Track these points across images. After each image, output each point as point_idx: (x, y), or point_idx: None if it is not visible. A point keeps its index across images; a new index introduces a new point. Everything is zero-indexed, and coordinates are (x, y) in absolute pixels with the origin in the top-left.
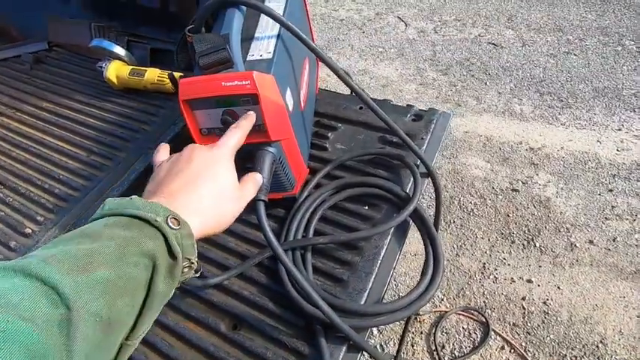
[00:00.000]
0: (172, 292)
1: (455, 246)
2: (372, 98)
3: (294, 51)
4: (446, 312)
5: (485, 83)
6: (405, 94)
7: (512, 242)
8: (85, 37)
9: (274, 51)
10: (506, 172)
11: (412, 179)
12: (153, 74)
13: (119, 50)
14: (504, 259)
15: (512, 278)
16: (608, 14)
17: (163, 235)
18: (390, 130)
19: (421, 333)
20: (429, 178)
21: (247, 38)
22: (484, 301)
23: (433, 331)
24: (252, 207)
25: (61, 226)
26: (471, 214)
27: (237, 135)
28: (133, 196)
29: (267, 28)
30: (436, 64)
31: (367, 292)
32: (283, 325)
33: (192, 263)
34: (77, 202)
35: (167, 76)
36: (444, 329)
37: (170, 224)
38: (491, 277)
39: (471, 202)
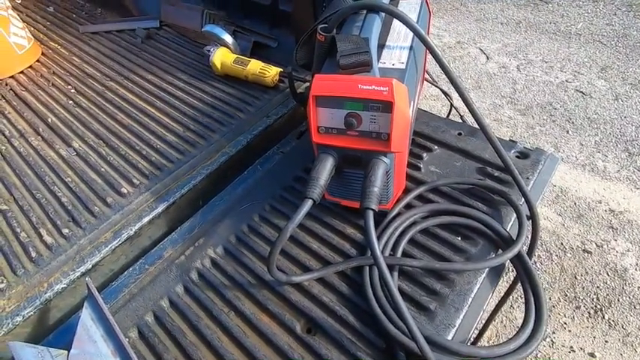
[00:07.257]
0: None
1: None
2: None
3: (419, 65)
4: None
5: (567, 132)
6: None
7: (577, 307)
8: (196, 22)
9: (407, 62)
10: (579, 230)
11: (515, 219)
12: (255, 66)
13: (228, 38)
14: (565, 323)
15: (571, 347)
16: None
17: None
18: (503, 163)
19: None
20: (529, 222)
21: (379, 45)
22: None
23: None
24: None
25: (154, 192)
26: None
27: None
28: None
29: (399, 38)
30: (514, 103)
31: (455, 329)
32: (361, 342)
33: None
34: (170, 172)
35: (285, 73)
36: None
37: None
38: (548, 339)
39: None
